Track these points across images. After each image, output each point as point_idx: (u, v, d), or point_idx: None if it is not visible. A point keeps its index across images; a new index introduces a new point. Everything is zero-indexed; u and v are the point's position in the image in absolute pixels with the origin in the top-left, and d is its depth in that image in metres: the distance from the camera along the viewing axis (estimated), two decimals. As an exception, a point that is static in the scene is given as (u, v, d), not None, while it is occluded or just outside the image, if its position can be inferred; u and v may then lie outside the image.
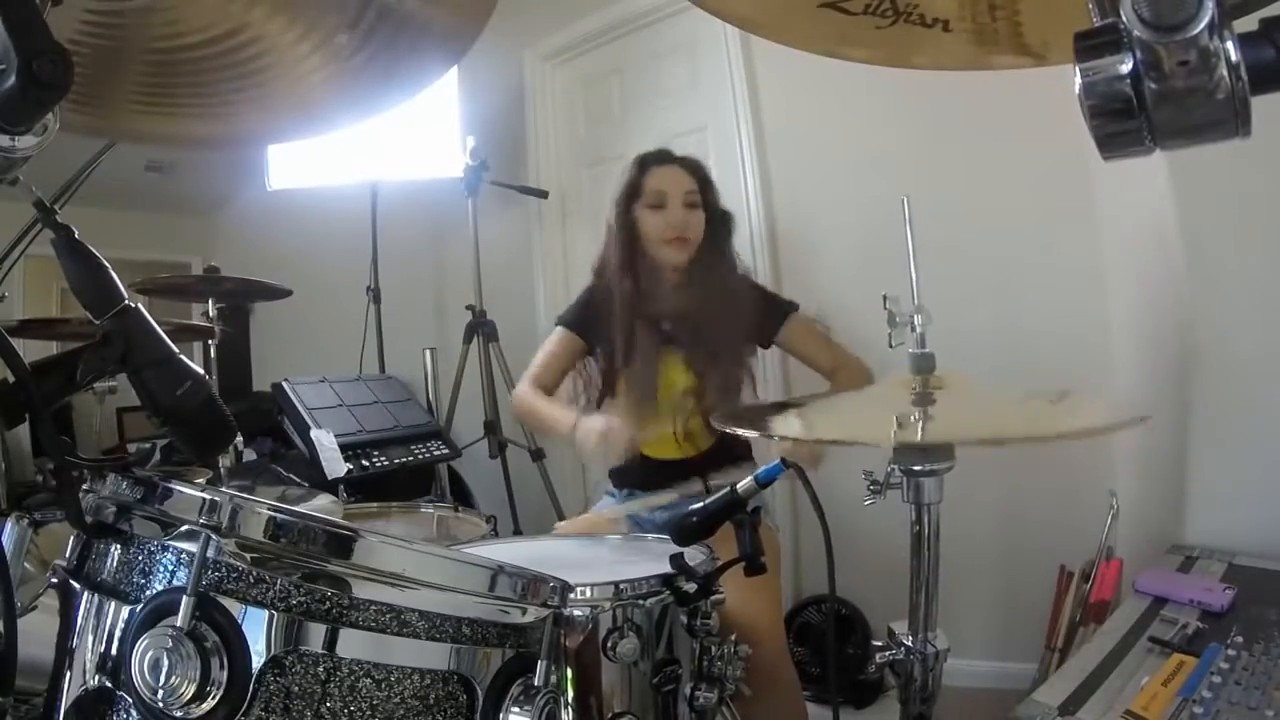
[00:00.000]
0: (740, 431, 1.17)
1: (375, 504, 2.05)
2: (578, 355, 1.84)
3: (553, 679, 0.73)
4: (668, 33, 2.85)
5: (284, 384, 2.50)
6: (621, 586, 0.97)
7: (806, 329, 1.82)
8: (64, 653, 0.64)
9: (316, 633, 0.61)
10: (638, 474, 1.78)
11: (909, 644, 1.03)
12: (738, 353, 1.75)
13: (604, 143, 3.02)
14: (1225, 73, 0.37)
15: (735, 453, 1.74)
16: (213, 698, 0.57)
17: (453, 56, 0.90)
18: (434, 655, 0.66)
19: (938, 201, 1.85)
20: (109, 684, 0.61)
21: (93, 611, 0.64)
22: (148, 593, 0.62)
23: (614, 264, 1.78)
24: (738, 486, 0.99)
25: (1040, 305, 2.09)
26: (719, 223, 1.81)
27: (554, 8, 3.09)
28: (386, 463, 2.46)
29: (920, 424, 1.03)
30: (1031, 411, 1.11)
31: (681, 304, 1.75)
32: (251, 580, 0.61)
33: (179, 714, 0.57)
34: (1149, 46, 0.37)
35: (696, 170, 1.81)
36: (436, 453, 2.65)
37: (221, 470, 1.71)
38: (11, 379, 0.64)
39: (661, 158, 1.83)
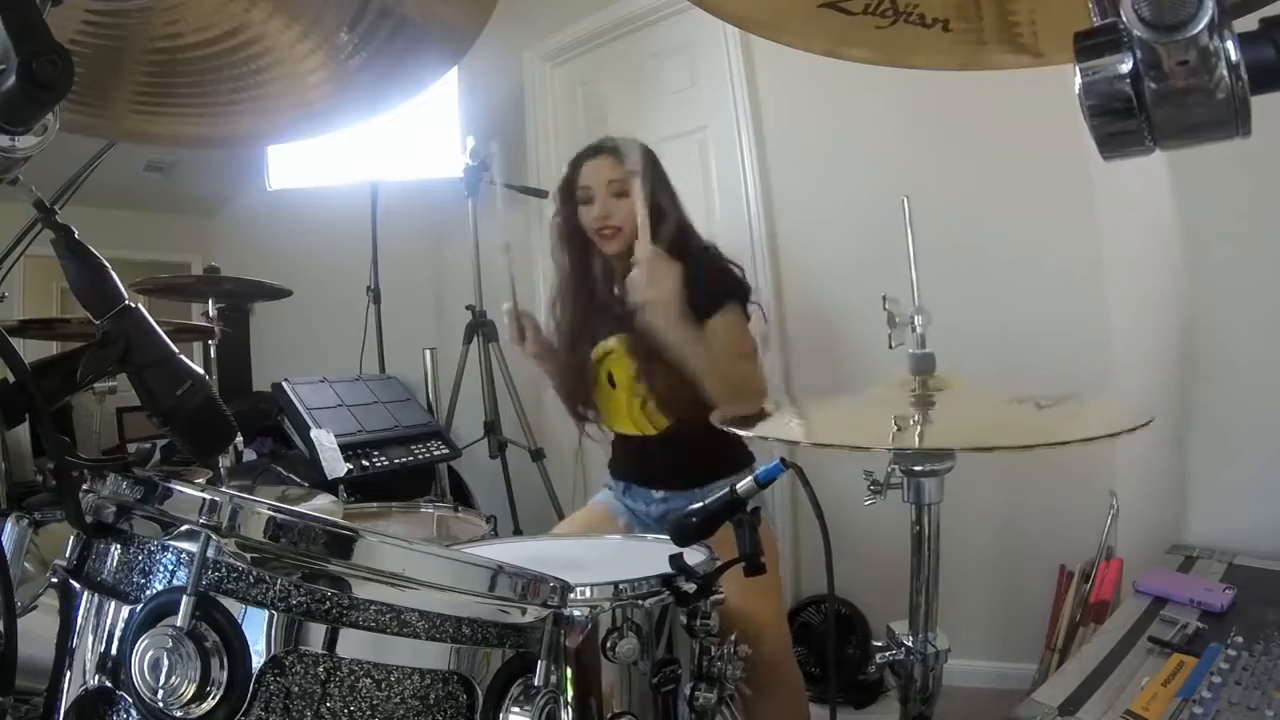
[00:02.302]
0: (738, 432, 1.17)
1: (375, 504, 2.05)
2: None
3: (553, 679, 0.72)
4: (668, 33, 2.85)
5: (284, 384, 2.50)
6: (621, 586, 0.96)
7: (736, 324, 1.66)
8: (64, 653, 0.64)
9: (316, 633, 0.61)
10: (624, 460, 1.82)
11: (909, 644, 1.03)
12: (678, 331, 1.56)
13: (604, 143, 3.02)
14: (1225, 72, 0.37)
15: (727, 452, 1.71)
16: (213, 698, 0.57)
17: (453, 57, 0.90)
18: (434, 655, 0.66)
19: (938, 202, 1.85)
20: (109, 684, 0.61)
21: (93, 611, 0.64)
22: (148, 593, 0.62)
23: (562, 259, 1.83)
24: (737, 487, 0.99)
25: (1041, 306, 2.09)
26: (661, 205, 1.69)
27: (554, 8, 3.09)
28: (386, 463, 2.46)
29: (919, 428, 1.03)
30: (1033, 416, 1.11)
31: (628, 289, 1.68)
32: (251, 580, 0.61)
33: (179, 714, 0.57)
34: (1149, 46, 0.37)
35: (627, 155, 1.72)
36: (436, 453, 2.65)
37: (221, 470, 1.70)
38: (11, 379, 0.64)
39: (592, 150, 1.79)
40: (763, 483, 0.98)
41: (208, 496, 0.61)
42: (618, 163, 1.73)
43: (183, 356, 0.71)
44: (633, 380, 1.73)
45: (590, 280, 1.81)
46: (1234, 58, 0.37)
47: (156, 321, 0.70)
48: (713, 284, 1.66)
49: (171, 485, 0.63)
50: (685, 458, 1.68)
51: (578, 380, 1.82)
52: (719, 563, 1.05)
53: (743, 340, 1.69)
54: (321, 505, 1.85)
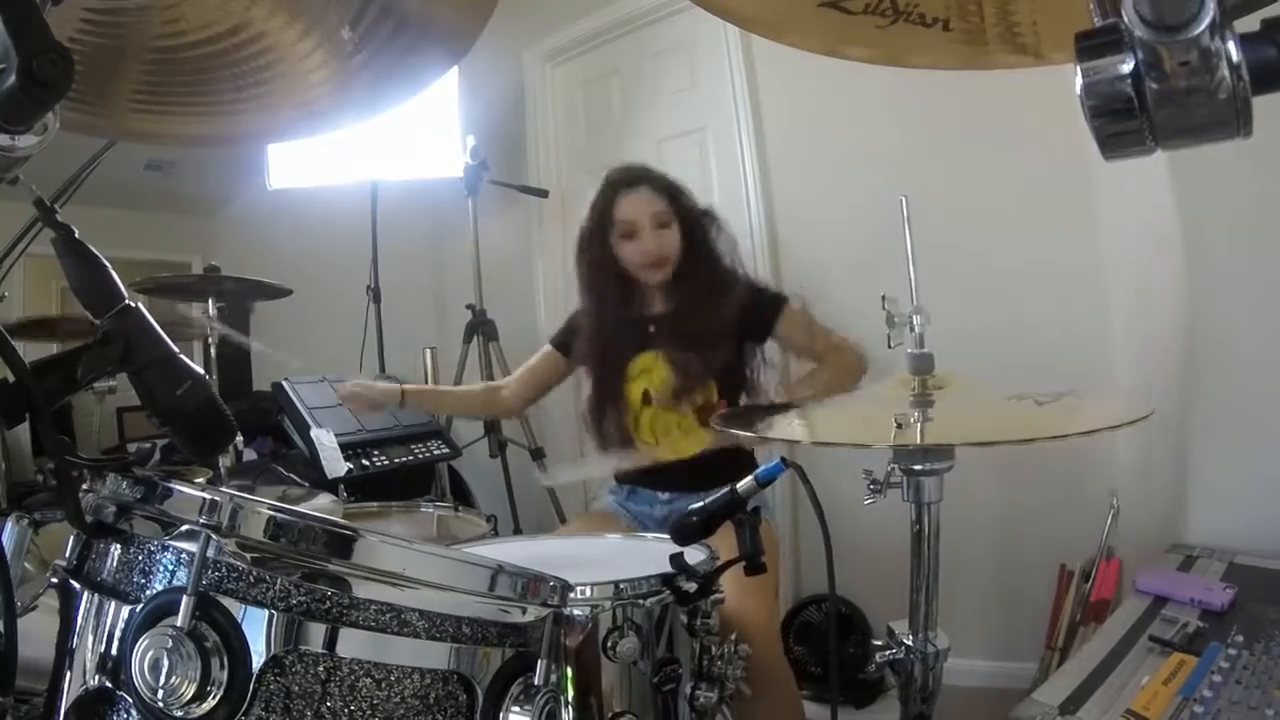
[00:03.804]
0: (737, 432, 1.17)
1: (375, 504, 2.05)
2: (557, 371, 1.95)
3: (553, 678, 0.73)
4: (667, 33, 2.85)
5: (284, 384, 2.50)
6: (621, 586, 0.97)
7: (799, 320, 1.79)
8: (64, 653, 0.64)
9: (316, 632, 0.61)
10: (638, 471, 1.80)
11: (909, 643, 1.03)
12: (718, 348, 1.72)
13: (603, 142, 3.02)
14: (1226, 73, 0.37)
15: (734, 454, 1.73)
16: (213, 698, 0.57)
17: (453, 56, 0.90)
18: (434, 655, 0.66)
19: (938, 202, 1.85)
20: (109, 684, 0.61)
21: (93, 611, 0.64)
22: (148, 592, 0.62)
23: (596, 288, 1.82)
24: (738, 486, 0.99)
25: (1040, 305, 2.09)
26: (696, 230, 1.79)
27: (554, 8, 3.09)
28: (386, 462, 2.45)
29: (919, 425, 1.03)
30: (1032, 412, 1.11)
31: (667, 307, 1.79)
32: (251, 580, 0.61)
33: (179, 714, 0.57)
34: (1150, 47, 0.37)
35: (665, 187, 1.80)
36: (436, 452, 2.64)
37: (221, 470, 1.71)
38: (11, 379, 0.64)
39: (629, 181, 1.81)
40: (763, 482, 0.98)
41: (208, 496, 0.61)
42: (655, 195, 1.78)
43: (183, 356, 0.71)
44: (670, 397, 1.74)
45: (619, 303, 1.81)
46: (1235, 58, 0.37)
47: (156, 321, 0.70)
48: (762, 304, 1.77)
49: (171, 485, 0.63)
50: (696, 467, 1.69)
51: (608, 398, 1.82)
52: (719, 562, 1.05)
53: (816, 325, 1.78)
54: (321, 505, 1.85)
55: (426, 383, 3.01)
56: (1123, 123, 0.40)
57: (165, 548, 0.63)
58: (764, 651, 1.39)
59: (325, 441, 2.30)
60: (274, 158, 3.14)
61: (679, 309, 1.76)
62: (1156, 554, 1.47)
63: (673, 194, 1.80)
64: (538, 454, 2.72)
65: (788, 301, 1.81)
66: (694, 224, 1.80)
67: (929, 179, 2.09)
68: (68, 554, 0.67)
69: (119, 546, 0.65)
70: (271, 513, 0.62)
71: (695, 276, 1.76)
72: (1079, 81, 0.40)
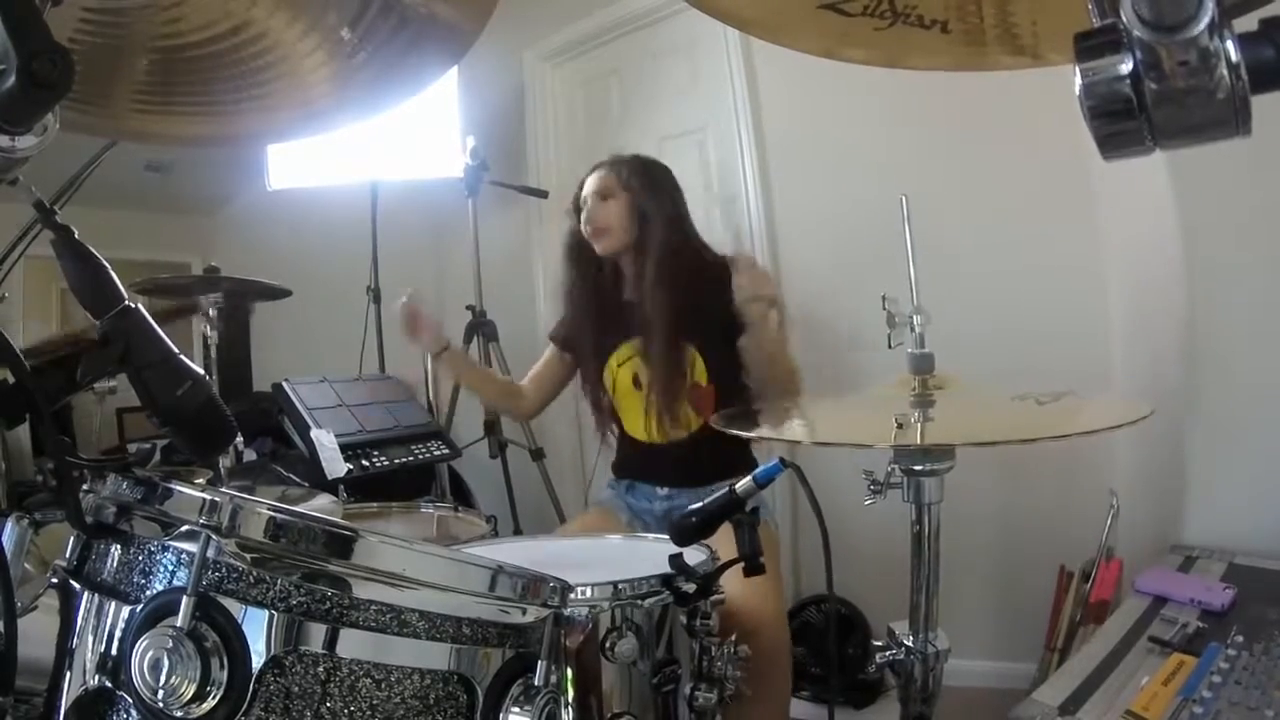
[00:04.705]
0: (736, 433, 1.17)
1: (375, 504, 2.05)
2: (562, 367, 1.97)
3: (553, 679, 0.73)
4: (667, 33, 2.85)
5: (284, 384, 2.50)
6: (621, 586, 0.97)
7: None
8: (64, 653, 0.64)
9: (316, 633, 0.61)
10: (633, 462, 1.83)
11: (909, 644, 1.03)
12: (684, 329, 1.72)
13: (603, 143, 3.02)
14: (1225, 72, 0.37)
15: (731, 451, 1.72)
16: (213, 698, 0.57)
17: (453, 56, 0.90)
18: (434, 655, 0.66)
19: (938, 202, 1.85)
20: (109, 684, 0.61)
21: (93, 611, 0.64)
22: (148, 593, 0.62)
23: (576, 273, 1.89)
24: (736, 486, 0.99)
25: (1040, 305, 2.09)
26: (646, 206, 1.79)
27: (554, 8, 3.09)
28: (386, 463, 2.46)
29: (920, 425, 1.03)
30: (1033, 412, 1.11)
31: (638, 290, 1.80)
32: (251, 580, 0.61)
33: (179, 714, 0.57)
34: (1149, 47, 0.37)
35: (619, 165, 1.84)
36: (436, 453, 2.64)
37: (221, 470, 1.70)
38: (12, 379, 0.64)
39: (595, 166, 1.88)
40: (761, 482, 0.98)
41: (208, 497, 0.61)
42: (608, 171, 1.84)
43: (183, 357, 0.71)
44: (648, 383, 1.76)
45: (598, 287, 1.86)
46: (1234, 58, 0.37)
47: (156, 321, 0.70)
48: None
49: (172, 485, 0.63)
50: (692, 458, 1.70)
51: (596, 384, 1.86)
52: (718, 563, 1.05)
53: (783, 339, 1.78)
54: (321, 505, 1.85)
55: (427, 383, 3.02)
56: (1122, 123, 0.40)
57: (165, 548, 0.63)
58: (772, 643, 1.38)
59: (325, 442, 2.30)
60: (274, 158, 3.14)
61: (644, 289, 1.76)
62: (1156, 554, 1.47)
63: (625, 170, 1.83)
64: (538, 454, 2.72)
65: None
66: (642, 200, 1.79)
67: (929, 179, 2.09)
68: (68, 554, 0.67)
69: (119, 547, 0.65)
70: (271, 513, 0.62)
71: (652, 254, 1.76)
72: (1078, 82, 0.40)
